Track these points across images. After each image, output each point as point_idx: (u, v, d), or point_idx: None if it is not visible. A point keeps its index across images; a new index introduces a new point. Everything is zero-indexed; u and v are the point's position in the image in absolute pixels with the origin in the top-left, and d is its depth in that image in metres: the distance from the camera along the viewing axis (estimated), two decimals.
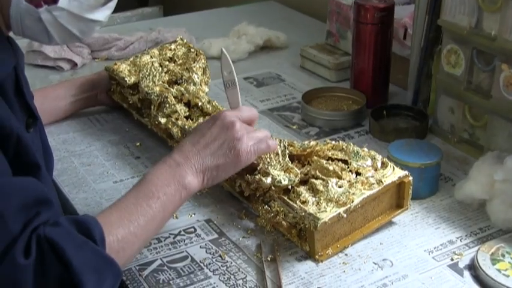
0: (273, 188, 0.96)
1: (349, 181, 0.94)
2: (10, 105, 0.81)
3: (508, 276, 0.86)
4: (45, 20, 0.82)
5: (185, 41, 1.35)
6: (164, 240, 0.97)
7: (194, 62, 1.27)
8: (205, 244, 0.96)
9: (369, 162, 0.98)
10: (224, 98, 1.39)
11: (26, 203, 0.73)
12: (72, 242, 0.73)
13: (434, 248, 0.95)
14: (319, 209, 0.90)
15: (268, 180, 0.95)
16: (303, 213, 0.90)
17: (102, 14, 0.86)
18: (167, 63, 1.28)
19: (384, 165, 0.98)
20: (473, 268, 0.90)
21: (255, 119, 0.97)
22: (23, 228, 0.71)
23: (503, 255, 0.90)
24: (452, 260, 0.93)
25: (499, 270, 0.87)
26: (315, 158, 1.00)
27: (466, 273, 0.90)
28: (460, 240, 0.97)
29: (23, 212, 0.72)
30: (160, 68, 1.26)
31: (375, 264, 0.92)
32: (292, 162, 0.99)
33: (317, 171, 0.97)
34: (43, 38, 0.85)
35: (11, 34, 0.86)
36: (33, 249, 0.70)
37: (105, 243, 0.76)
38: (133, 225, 0.81)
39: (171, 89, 1.19)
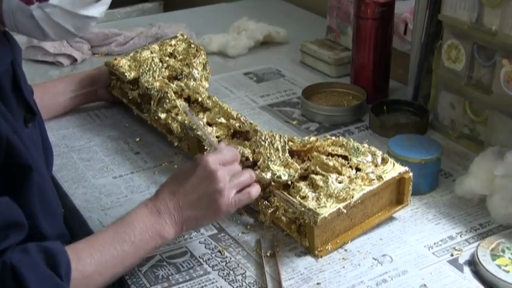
0: (272, 183, 0.95)
1: (349, 177, 0.94)
2: (7, 100, 0.80)
3: (508, 271, 0.86)
4: (37, 16, 0.81)
5: (185, 36, 1.35)
6: None
7: (194, 58, 1.27)
8: (205, 239, 0.96)
9: (369, 158, 0.98)
10: (224, 93, 1.40)
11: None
12: (36, 273, 0.73)
13: (434, 243, 0.95)
14: (319, 205, 0.89)
15: (268, 175, 0.95)
16: (303, 209, 0.90)
17: (97, 10, 0.85)
18: (167, 58, 1.28)
19: (384, 161, 0.98)
20: (473, 264, 0.90)
21: (237, 159, 0.93)
22: None
23: (503, 251, 0.90)
24: (452, 255, 0.92)
25: (499, 266, 0.87)
26: (315, 153, 0.99)
27: (466, 268, 0.90)
28: (460, 235, 0.97)
29: None
30: (161, 64, 1.25)
31: (375, 259, 0.92)
32: (292, 158, 0.99)
33: (317, 167, 0.97)
34: (38, 35, 0.85)
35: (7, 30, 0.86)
36: None
37: (71, 278, 0.76)
38: (101, 265, 0.81)
39: (171, 85, 1.19)
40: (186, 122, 1.11)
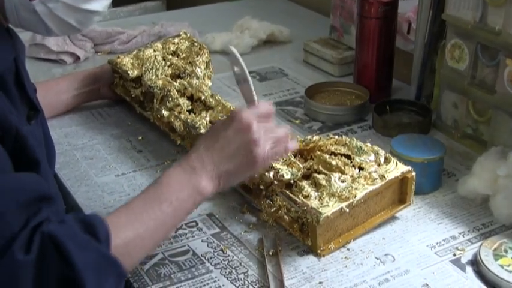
0: (275, 182, 0.95)
1: (352, 176, 0.94)
2: (10, 97, 0.80)
3: (510, 271, 0.86)
4: (40, 12, 0.81)
5: (189, 35, 1.35)
6: None
7: (197, 56, 1.27)
8: (207, 238, 0.96)
9: (372, 157, 0.98)
10: (227, 92, 1.40)
11: (27, 199, 0.72)
12: (76, 240, 0.72)
13: (437, 243, 0.95)
14: (322, 204, 0.89)
15: (271, 174, 0.95)
16: (305, 208, 0.90)
17: (100, 4, 0.85)
18: (170, 57, 1.28)
19: (387, 160, 0.98)
20: (476, 264, 0.90)
21: (272, 115, 0.92)
22: (23, 225, 0.70)
23: (506, 251, 0.90)
24: (454, 255, 0.92)
25: (501, 266, 0.87)
26: (318, 152, 0.99)
27: (469, 268, 0.90)
28: (463, 235, 0.96)
29: (23, 208, 0.71)
30: (164, 62, 1.25)
31: (377, 259, 0.92)
32: (295, 157, 0.99)
33: (320, 166, 0.97)
34: (41, 30, 0.84)
35: (11, 26, 0.86)
36: (35, 246, 0.69)
37: (111, 244, 0.75)
38: (142, 229, 0.79)
39: (174, 83, 1.19)
40: (188, 120, 1.11)
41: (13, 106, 0.80)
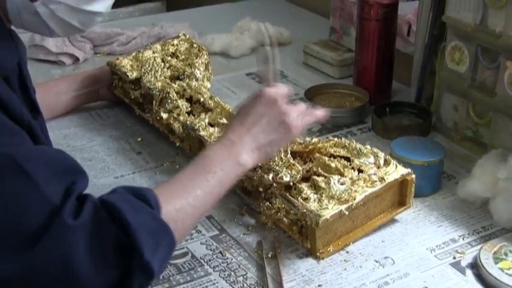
0: (274, 184, 0.95)
1: (351, 178, 0.94)
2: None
3: (510, 275, 0.86)
4: (42, 13, 0.81)
5: (188, 36, 1.35)
6: None
7: (196, 58, 1.27)
8: (206, 240, 0.96)
9: (372, 159, 0.97)
10: (226, 94, 1.40)
11: (61, 170, 0.72)
12: (129, 204, 0.72)
13: (437, 246, 0.94)
14: (321, 206, 0.89)
15: (270, 176, 0.94)
16: (305, 210, 0.89)
17: (102, 5, 0.85)
18: (169, 58, 1.28)
19: (386, 162, 0.97)
20: (476, 267, 0.89)
21: (289, 95, 0.97)
22: (65, 195, 0.69)
23: (506, 254, 0.90)
24: (454, 258, 0.92)
25: (501, 269, 0.87)
26: (317, 155, 0.99)
27: (469, 271, 0.89)
28: (463, 238, 0.96)
29: (60, 179, 0.71)
30: (163, 64, 1.25)
31: (376, 262, 0.91)
32: (294, 159, 0.98)
33: (319, 168, 0.96)
34: (44, 31, 0.84)
35: (13, 28, 0.85)
36: (86, 211, 0.69)
37: (161, 211, 0.76)
38: (191, 197, 0.81)
39: (173, 85, 1.19)
40: (187, 122, 1.11)
41: None
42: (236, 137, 0.89)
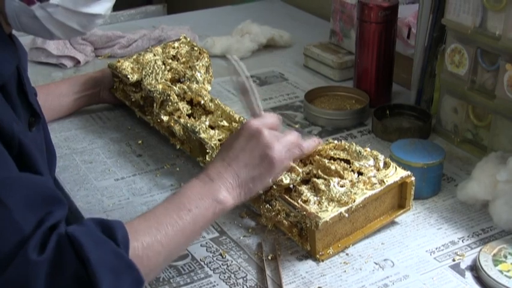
0: (274, 186, 0.95)
1: (351, 181, 0.94)
2: (13, 104, 0.80)
3: (510, 277, 0.86)
4: (40, 17, 0.80)
5: (188, 39, 1.35)
6: None
7: (197, 61, 1.27)
8: (206, 243, 0.96)
9: (371, 162, 0.98)
10: (227, 96, 1.40)
11: (38, 200, 0.71)
12: (93, 238, 0.71)
13: (436, 248, 0.95)
14: (321, 209, 0.89)
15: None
16: (304, 213, 0.89)
17: (101, 7, 0.84)
18: (170, 61, 1.28)
19: (386, 165, 0.98)
20: (475, 269, 0.90)
21: (278, 125, 0.92)
22: (36, 226, 0.69)
23: (505, 257, 0.90)
24: (454, 260, 0.92)
25: (501, 272, 0.87)
26: (317, 157, 0.99)
27: (468, 274, 0.90)
28: (462, 241, 0.96)
29: (34, 209, 0.70)
30: (163, 66, 1.25)
31: (376, 264, 0.91)
32: (294, 162, 0.99)
33: (319, 171, 0.97)
34: (44, 34, 0.84)
35: (14, 32, 0.85)
36: (50, 246, 0.68)
37: (129, 247, 0.74)
38: (160, 234, 0.78)
39: (174, 87, 1.19)
40: (188, 124, 1.11)
41: (15, 114, 0.80)
42: (215, 174, 0.86)
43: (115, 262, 0.71)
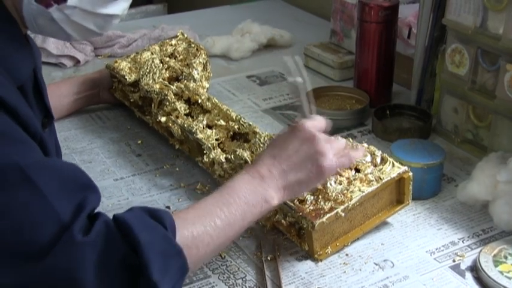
0: None
1: (348, 178, 0.93)
2: (29, 104, 0.80)
3: (510, 278, 0.86)
4: (57, 19, 0.80)
5: (186, 35, 1.34)
6: None
7: (194, 58, 1.27)
8: None
9: (368, 158, 0.97)
10: (227, 96, 1.40)
11: (72, 184, 0.71)
12: (142, 222, 0.71)
13: (436, 249, 0.94)
14: (317, 208, 0.89)
15: None
16: (301, 213, 0.89)
17: (118, 8, 0.83)
18: (168, 59, 1.28)
19: (383, 160, 0.97)
20: (475, 270, 0.89)
21: (326, 127, 0.92)
22: (75, 211, 0.68)
23: (505, 257, 0.89)
24: (454, 261, 0.92)
25: (501, 272, 0.87)
26: None
27: (468, 274, 0.89)
28: (463, 241, 0.96)
29: (70, 193, 0.69)
30: (161, 65, 1.25)
31: (376, 264, 0.91)
32: None
33: None
34: (61, 36, 0.84)
35: (28, 32, 0.85)
36: (96, 230, 0.67)
37: (176, 234, 0.73)
38: (210, 226, 0.78)
39: (171, 87, 1.19)
40: (185, 125, 1.11)
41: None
42: (266, 172, 0.85)
43: (165, 247, 0.71)
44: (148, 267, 0.68)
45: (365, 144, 1.00)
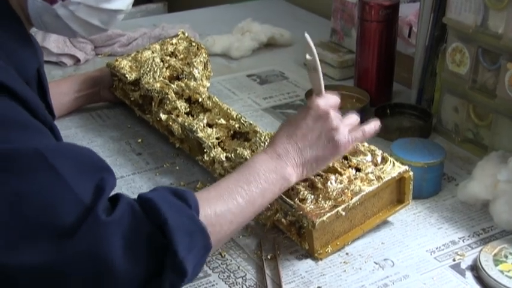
0: None
1: (349, 177, 0.93)
2: None
3: (510, 277, 0.86)
4: (62, 15, 0.81)
5: (186, 34, 1.34)
6: None
7: (195, 57, 1.27)
8: None
9: (369, 157, 0.97)
10: (227, 95, 1.40)
11: (88, 166, 0.71)
12: (168, 202, 0.72)
13: (436, 248, 0.94)
14: (318, 207, 0.89)
15: None
16: (301, 212, 0.89)
17: (122, 3, 0.85)
18: (168, 58, 1.28)
19: (384, 160, 0.97)
20: (476, 269, 0.89)
21: (338, 105, 0.94)
22: (95, 192, 0.68)
23: (506, 256, 0.89)
24: (454, 260, 0.92)
25: (501, 272, 0.87)
26: None
27: (468, 274, 0.89)
28: (463, 240, 0.96)
29: (88, 175, 0.70)
30: (162, 64, 1.25)
31: (376, 264, 0.91)
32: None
33: None
34: (67, 33, 0.85)
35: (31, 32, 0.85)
36: (120, 209, 0.68)
37: (200, 213, 0.75)
38: (232, 204, 0.80)
39: (172, 85, 1.19)
40: (186, 123, 1.11)
41: None
42: (282, 150, 0.88)
43: (190, 225, 0.72)
44: (174, 245, 0.69)
45: (365, 144, 1.00)
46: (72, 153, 0.71)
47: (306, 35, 0.93)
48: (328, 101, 0.92)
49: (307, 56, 0.93)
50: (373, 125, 0.96)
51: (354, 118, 0.95)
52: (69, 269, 0.66)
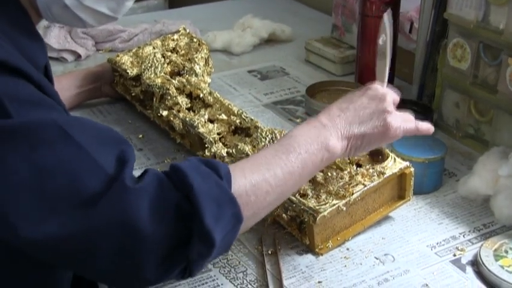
0: None
1: (350, 173, 0.94)
2: None
3: (511, 272, 0.86)
4: (70, 5, 0.82)
5: (188, 30, 1.34)
6: None
7: (196, 53, 1.27)
8: None
9: None
10: (228, 90, 1.40)
11: (107, 138, 0.72)
12: (196, 170, 0.71)
13: (437, 243, 0.94)
14: (319, 202, 0.89)
15: None
16: (302, 207, 0.89)
17: None
18: (169, 54, 1.28)
19: (385, 155, 0.97)
20: (476, 264, 0.89)
21: (396, 102, 0.92)
22: (117, 163, 0.69)
23: (506, 252, 0.90)
24: (454, 255, 0.92)
25: (502, 267, 0.87)
26: None
27: (469, 269, 0.89)
28: (463, 236, 0.96)
29: (109, 146, 0.70)
30: (163, 59, 1.25)
31: (377, 259, 0.91)
32: None
33: None
34: (77, 23, 0.85)
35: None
36: (147, 178, 0.68)
37: (234, 183, 0.73)
38: (269, 174, 0.77)
39: (173, 81, 1.19)
40: (187, 119, 1.11)
41: None
42: (328, 120, 0.84)
43: (218, 193, 0.71)
44: (200, 212, 0.68)
45: None
46: (91, 126, 0.72)
47: (385, 15, 0.90)
48: (390, 90, 0.90)
49: (380, 41, 0.91)
50: (428, 125, 0.92)
51: (410, 116, 0.91)
52: (99, 236, 0.66)
